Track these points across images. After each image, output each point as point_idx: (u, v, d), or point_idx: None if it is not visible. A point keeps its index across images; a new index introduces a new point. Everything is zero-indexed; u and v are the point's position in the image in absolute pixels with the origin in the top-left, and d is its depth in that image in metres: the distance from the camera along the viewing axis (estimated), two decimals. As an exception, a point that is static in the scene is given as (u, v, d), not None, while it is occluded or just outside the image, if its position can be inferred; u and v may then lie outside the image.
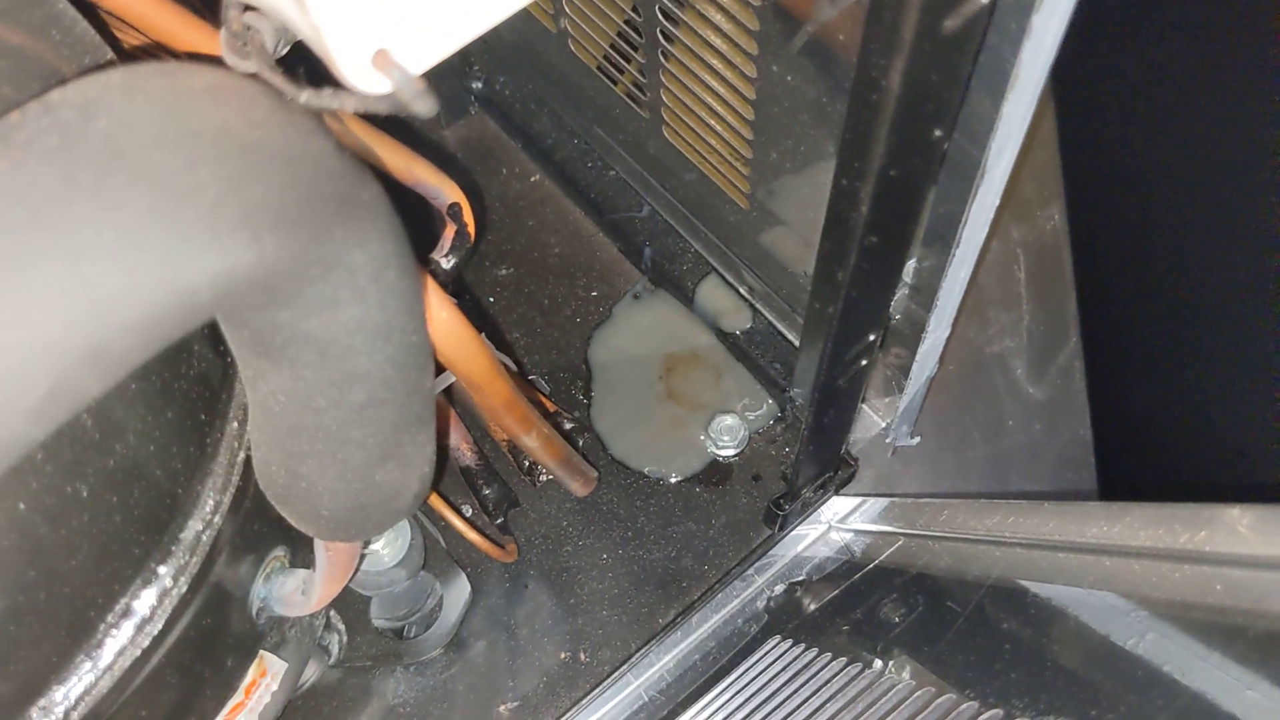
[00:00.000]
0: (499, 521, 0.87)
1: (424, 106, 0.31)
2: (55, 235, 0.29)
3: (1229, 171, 0.99)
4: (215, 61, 0.38)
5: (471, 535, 0.82)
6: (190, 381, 0.48)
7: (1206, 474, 1.01)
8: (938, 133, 0.47)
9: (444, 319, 0.53)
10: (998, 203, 0.59)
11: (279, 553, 0.59)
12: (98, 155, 0.30)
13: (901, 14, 0.39)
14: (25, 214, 0.29)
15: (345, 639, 0.83)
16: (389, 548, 0.71)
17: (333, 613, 0.83)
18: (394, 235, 0.38)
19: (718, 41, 0.71)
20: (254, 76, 0.37)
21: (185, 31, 0.51)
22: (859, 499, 0.86)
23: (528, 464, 0.88)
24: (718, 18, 0.69)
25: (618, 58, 0.87)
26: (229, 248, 0.31)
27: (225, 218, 0.31)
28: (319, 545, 0.56)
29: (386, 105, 0.32)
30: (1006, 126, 0.52)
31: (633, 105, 0.90)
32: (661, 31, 0.76)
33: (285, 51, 0.44)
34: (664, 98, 0.83)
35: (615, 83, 0.91)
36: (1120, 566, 0.55)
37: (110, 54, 0.46)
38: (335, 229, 0.34)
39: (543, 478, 0.89)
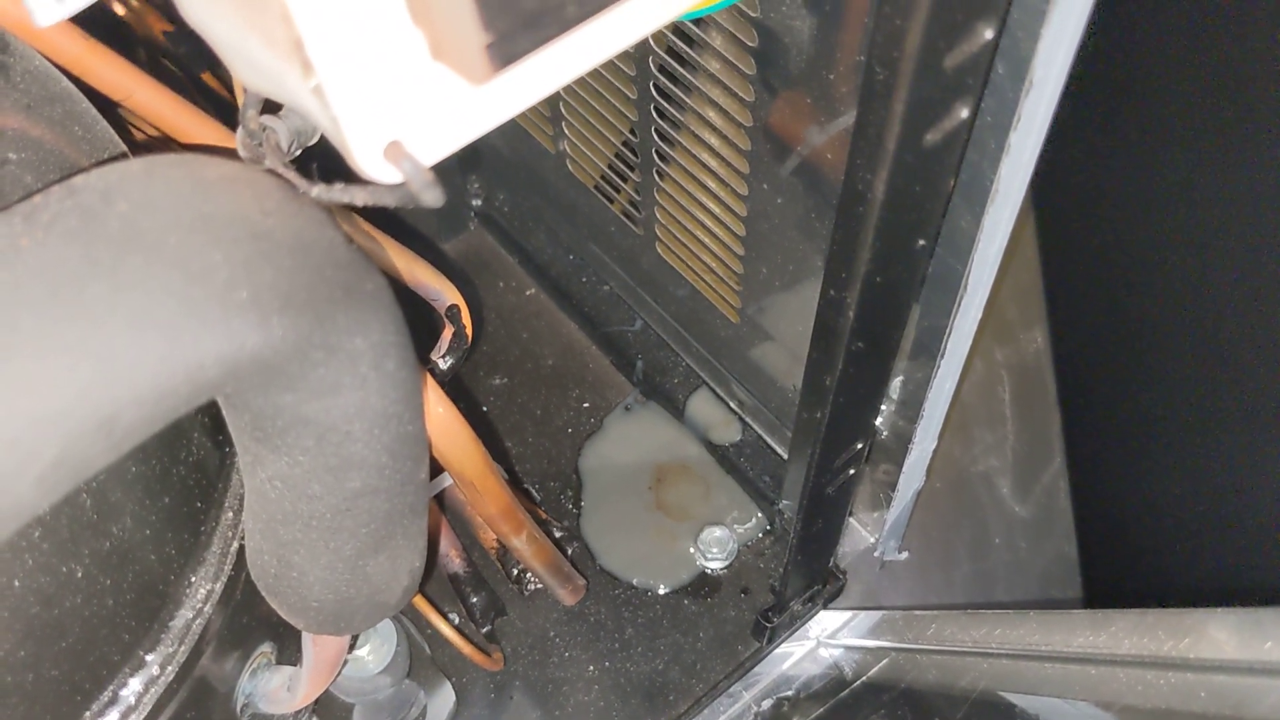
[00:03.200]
0: (485, 629, 0.86)
1: (432, 197, 0.32)
2: (73, 309, 0.30)
3: (1206, 293, 1.01)
4: (230, 156, 0.40)
5: (458, 642, 0.81)
6: (187, 468, 0.49)
7: (1191, 589, 1.01)
8: (921, 242, 0.49)
9: (440, 415, 0.54)
10: (980, 315, 0.60)
11: (266, 648, 0.59)
12: (116, 236, 0.31)
13: (886, 128, 0.42)
14: (45, 288, 0.30)
15: (326, 748, 0.82)
16: (374, 654, 0.71)
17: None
18: (395, 325, 0.39)
19: (711, 161, 0.73)
20: (268, 171, 0.39)
21: (202, 131, 0.53)
22: (847, 613, 0.85)
23: (516, 572, 0.88)
24: (712, 139, 0.72)
25: (614, 177, 0.90)
26: (238, 327, 0.32)
27: (236, 299, 0.32)
28: (307, 639, 0.56)
29: (396, 197, 0.34)
30: (988, 240, 0.54)
31: (628, 223, 0.92)
32: (657, 152, 0.79)
33: (299, 153, 0.46)
34: (658, 215, 0.85)
35: (611, 201, 0.94)
36: (1106, 675, 0.55)
37: (125, 151, 0.48)
38: (339, 315, 0.36)
39: (530, 586, 0.89)
